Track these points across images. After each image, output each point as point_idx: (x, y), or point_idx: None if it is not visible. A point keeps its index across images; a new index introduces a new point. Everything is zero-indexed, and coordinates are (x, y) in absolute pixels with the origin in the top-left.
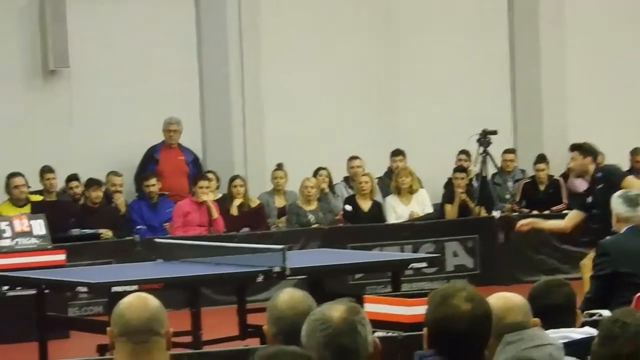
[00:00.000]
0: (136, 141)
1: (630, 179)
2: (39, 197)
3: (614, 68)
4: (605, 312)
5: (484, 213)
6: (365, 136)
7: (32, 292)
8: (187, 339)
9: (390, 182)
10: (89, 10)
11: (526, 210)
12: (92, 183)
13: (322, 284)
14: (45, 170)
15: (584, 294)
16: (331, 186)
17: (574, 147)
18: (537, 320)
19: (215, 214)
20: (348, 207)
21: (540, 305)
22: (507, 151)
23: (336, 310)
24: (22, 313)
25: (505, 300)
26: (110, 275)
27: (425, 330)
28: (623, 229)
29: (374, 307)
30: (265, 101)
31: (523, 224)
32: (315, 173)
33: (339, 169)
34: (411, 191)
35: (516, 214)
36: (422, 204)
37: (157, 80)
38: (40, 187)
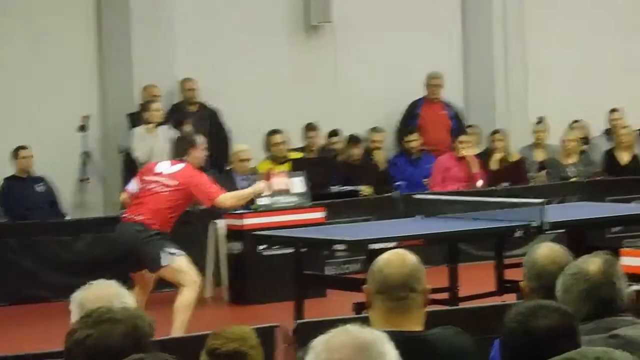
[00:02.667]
0: (398, 96)
1: None
2: (299, 154)
3: None
4: None
5: None
6: (627, 88)
7: (288, 250)
8: (444, 295)
9: None
10: None
11: None
12: (352, 139)
13: (580, 237)
14: (309, 128)
15: None
16: (589, 139)
17: None
18: None
19: (476, 168)
20: None
21: None
22: None
23: (593, 263)
24: (280, 272)
25: None
26: (369, 232)
27: None
28: None
29: (631, 260)
30: (528, 54)
31: None
32: (572, 125)
33: (599, 121)
34: None
35: None
36: None
37: (418, 35)
38: (301, 144)
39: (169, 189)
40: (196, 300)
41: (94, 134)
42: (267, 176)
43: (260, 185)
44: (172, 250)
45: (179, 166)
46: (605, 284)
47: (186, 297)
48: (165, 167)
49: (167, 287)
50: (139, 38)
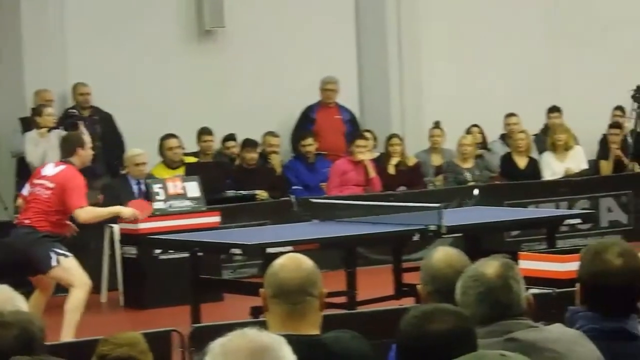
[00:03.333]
0: (292, 101)
1: None
2: (193, 159)
3: None
4: None
5: (638, 169)
6: (523, 93)
7: (185, 255)
8: (342, 299)
9: (546, 138)
10: None
11: None
12: (248, 144)
13: (478, 241)
14: (203, 132)
15: None
16: (486, 143)
17: None
18: None
19: (373, 173)
20: None
21: None
22: None
23: (490, 266)
24: (176, 276)
25: None
26: (265, 237)
27: (578, 286)
28: None
29: (529, 263)
30: (423, 59)
31: None
32: (468, 130)
33: (496, 126)
34: (567, 148)
35: None
36: (577, 160)
37: (313, 39)
38: (195, 148)
39: (49, 191)
40: (86, 302)
41: None
42: (141, 206)
43: (126, 211)
44: (61, 251)
45: (60, 168)
46: (502, 287)
47: (76, 298)
48: (49, 169)
49: (62, 292)
50: (30, 42)
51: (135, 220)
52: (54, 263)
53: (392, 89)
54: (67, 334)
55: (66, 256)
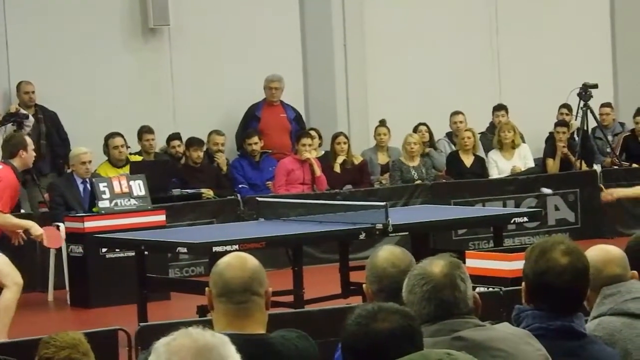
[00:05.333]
0: (238, 99)
1: None
2: (138, 158)
3: None
4: None
5: (585, 167)
6: (468, 91)
7: (132, 253)
8: (289, 298)
9: (493, 137)
10: None
11: (626, 164)
12: (193, 142)
13: (425, 240)
14: (144, 131)
15: None
16: (432, 141)
17: None
18: (635, 272)
19: (319, 171)
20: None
21: (638, 257)
22: (603, 105)
23: (436, 265)
24: (122, 275)
25: (604, 252)
26: (211, 235)
27: (524, 285)
28: None
29: (476, 262)
30: (368, 57)
31: (606, 194)
32: (415, 129)
33: (441, 124)
34: (513, 146)
35: (616, 167)
36: (524, 158)
37: (258, 38)
38: (140, 147)
39: None
40: (17, 302)
41: None
42: (53, 237)
43: (36, 229)
44: None
45: None
46: (448, 285)
47: (7, 299)
48: None
49: None
50: None
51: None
52: None
53: (337, 87)
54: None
55: None
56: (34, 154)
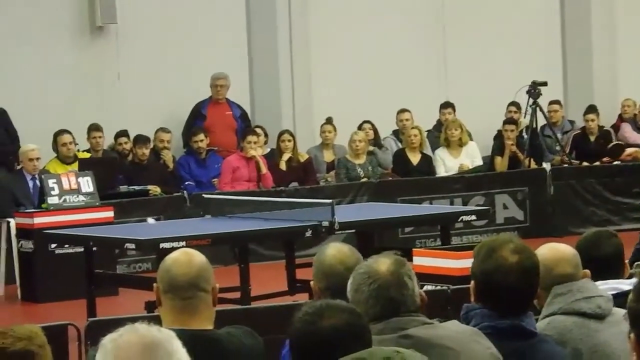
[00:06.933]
0: (184, 97)
1: None
2: (86, 155)
3: None
4: None
5: (534, 165)
6: (414, 89)
7: (81, 249)
8: (236, 294)
9: (440, 134)
10: None
11: (576, 162)
12: (140, 140)
13: (371, 238)
14: (92, 129)
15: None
16: (378, 139)
17: None
18: (587, 271)
19: (264, 169)
20: None
21: (589, 256)
22: (552, 102)
23: (382, 263)
24: (71, 270)
25: (555, 251)
26: (159, 232)
27: (472, 283)
28: None
29: (423, 260)
30: (313, 54)
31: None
32: (360, 127)
33: (388, 122)
34: (461, 144)
35: (566, 165)
36: (471, 156)
37: (204, 36)
38: (88, 145)
39: None
40: None
41: None
42: None
43: None
44: None
45: None
46: (394, 284)
47: None
48: None
49: None
50: None
51: None
52: None
53: (283, 85)
54: None
55: None
56: None
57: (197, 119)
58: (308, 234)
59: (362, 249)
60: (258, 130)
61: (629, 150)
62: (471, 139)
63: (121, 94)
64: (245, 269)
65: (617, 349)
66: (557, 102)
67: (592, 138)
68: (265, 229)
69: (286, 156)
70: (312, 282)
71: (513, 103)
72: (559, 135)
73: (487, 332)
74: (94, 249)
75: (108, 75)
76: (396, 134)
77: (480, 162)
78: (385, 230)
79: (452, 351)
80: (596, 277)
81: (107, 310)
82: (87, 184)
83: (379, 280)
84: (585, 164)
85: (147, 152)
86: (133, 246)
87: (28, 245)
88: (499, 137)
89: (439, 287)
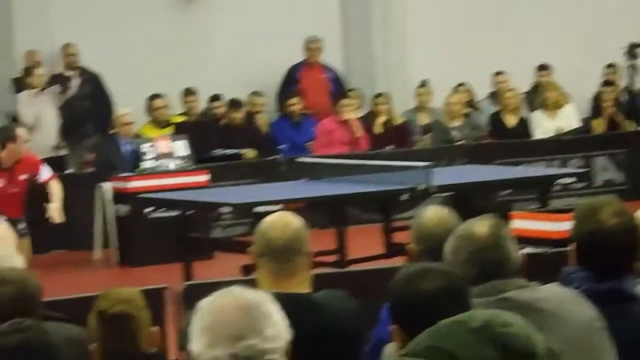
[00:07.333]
0: (278, 61)
1: None
2: (181, 118)
3: None
4: None
5: (632, 127)
6: (510, 51)
7: (176, 213)
8: (332, 258)
9: (536, 97)
10: None
11: None
12: (234, 103)
13: (468, 200)
14: (188, 93)
15: None
16: (473, 102)
17: None
18: None
19: (359, 132)
20: None
21: None
22: None
23: (481, 226)
24: (166, 234)
25: None
26: (254, 195)
27: (572, 246)
28: None
29: (522, 223)
30: (408, 16)
31: None
32: (456, 89)
33: (484, 84)
34: (557, 106)
35: None
36: (569, 118)
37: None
38: (183, 109)
39: None
40: None
41: None
42: None
43: None
44: None
45: None
46: (492, 246)
47: None
48: None
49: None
50: (19, 3)
51: None
52: None
53: (377, 47)
54: None
55: None
56: (23, 148)
57: (290, 83)
58: (404, 197)
59: (459, 211)
60: (352, 93)
61: None
62: (568, 101)
63: (215, 59)
64: (342, 232)
65: None
66: None
67: None
68: (361, 192)
69: (381, 119)
70: (409, 245)
71: (610, 65)
72: None
73: (587, 295)
74: (189, 212)
75: (203, 39)
76: (492, 96)
77: (577, 124)
78: (482, 193)
79: (552, 314)
80: None
81: (203, 274)
82: (181, 147)
83: (477, 243)
84: None
85: (240, 115)
86: (228, 210)
87: (123, 209)
88: (596, 99)
89: (538, 250)
